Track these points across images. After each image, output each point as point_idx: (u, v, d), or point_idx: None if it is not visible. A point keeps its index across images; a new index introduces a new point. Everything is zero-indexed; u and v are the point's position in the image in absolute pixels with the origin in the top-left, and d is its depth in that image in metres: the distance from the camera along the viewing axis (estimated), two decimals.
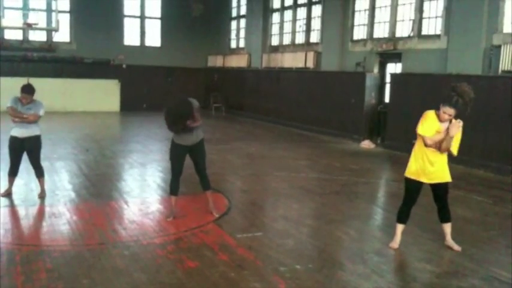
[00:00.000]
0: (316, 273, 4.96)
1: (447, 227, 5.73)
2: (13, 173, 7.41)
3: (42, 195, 7.34)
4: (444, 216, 5.71)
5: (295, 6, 17.95)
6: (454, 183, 9.14)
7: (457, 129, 5.34)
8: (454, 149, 5.42)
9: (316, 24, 16.89)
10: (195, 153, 6.50)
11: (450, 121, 5.40)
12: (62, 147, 11.58)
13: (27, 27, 19.02)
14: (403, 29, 13.45)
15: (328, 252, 5.57)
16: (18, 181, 7.67)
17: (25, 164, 7.65)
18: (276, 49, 19.06)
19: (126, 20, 21.87)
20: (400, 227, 5.74)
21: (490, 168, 10.19)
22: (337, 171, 9.99)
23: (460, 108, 5.26)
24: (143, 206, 7.14)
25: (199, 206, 6.92)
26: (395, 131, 12.66)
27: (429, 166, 5.47)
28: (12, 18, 19.14)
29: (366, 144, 13.40)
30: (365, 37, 14.65)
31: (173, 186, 6.56)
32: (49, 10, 19.99)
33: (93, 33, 20.47)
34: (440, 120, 5.39)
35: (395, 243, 5.71)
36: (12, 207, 6.94)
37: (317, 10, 16.78)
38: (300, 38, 17.82)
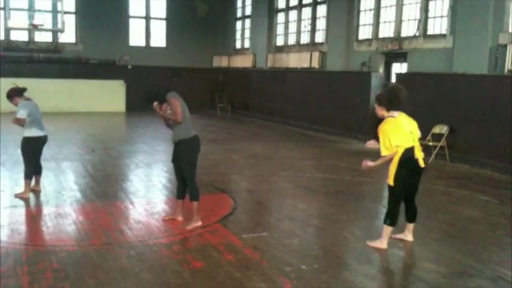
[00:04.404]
0: (321, 273, 4.95)
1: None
2: (34, 171, 7.63)
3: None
4: None
5: (300, 6, 17.94)
6: (459, 182, 9.20)
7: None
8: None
9: (321, 24, 16.88)
10: (177, 154, 6.27)
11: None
12: (68, 148, 11.61)
13: (33, 28, 19.12)
14: (409, 29, 13.43)
15: (333, 252, 5.57)
16: (22, 181, 7.68)
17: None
18: (281, 49, 19.06)
19: (131, 21, 21.93)
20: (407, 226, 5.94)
21: (496, 167, 10.14)
22: (342, 171, 9.98)
23: (380, 103, 5.59)
24: (149, 207, 7.15)
25: (205, 206, 6.92)
26: None
27: None
28: (18, 20, 19.23)
29: (372, 144, 13.35)
30: (370, 37, 14.63)
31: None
32: (55, 11, 20.09)
33: (99, 34, 20.55)
34: None
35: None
36: (18, 207, 6.96)
37: (322, 10, 16.76)
38: (305, 38, 17.82)
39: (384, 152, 5.51)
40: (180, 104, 6.09)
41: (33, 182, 7.65)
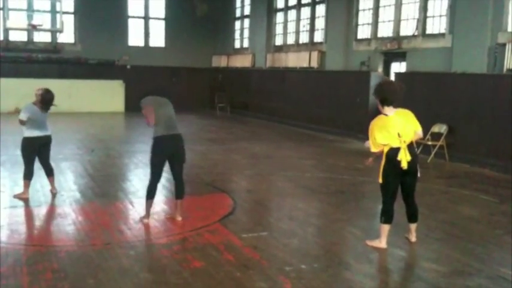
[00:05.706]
0: (321, 272, 4.95)
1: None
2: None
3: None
4: None
5: (299, 5, 17.94)
6: (459, 182, 9.20)
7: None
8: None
9: (320, 23, 16.88)
10: None
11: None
12: (67, 148, 11.60)
13: (32, 28, 19.09)
14: (408, 28, 13.43)
15: (333, 252, 5.57)
16: (22, 182, 7.66)
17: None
18: (280, 49, 19.05)
19: (130, 21, 21.91)
20: (409, 227, 5.93)
21: (495, 166, 10.13)
22: (342, 171, 9.98)
23: (376, 97, 5.58)
24: None
25: (205, 205, 6.92)
26: None
27: None
28: (17, 20, 19.19)
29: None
30: (369, 36, 14.64)
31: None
32: (53, 11, 20.08)
33: (98, 34, 20.54)
34: None
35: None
36: (18, 208, 6.95)
37: (321, 9, 16.77)
38: (304, 38, 17.82)
39: (373, 149, 5.59)
40: (151, 108, 6.24)
41: (47, 183, 7.69)
